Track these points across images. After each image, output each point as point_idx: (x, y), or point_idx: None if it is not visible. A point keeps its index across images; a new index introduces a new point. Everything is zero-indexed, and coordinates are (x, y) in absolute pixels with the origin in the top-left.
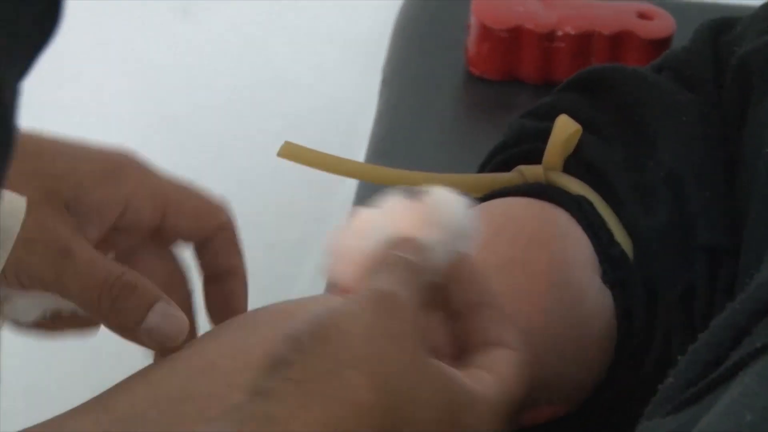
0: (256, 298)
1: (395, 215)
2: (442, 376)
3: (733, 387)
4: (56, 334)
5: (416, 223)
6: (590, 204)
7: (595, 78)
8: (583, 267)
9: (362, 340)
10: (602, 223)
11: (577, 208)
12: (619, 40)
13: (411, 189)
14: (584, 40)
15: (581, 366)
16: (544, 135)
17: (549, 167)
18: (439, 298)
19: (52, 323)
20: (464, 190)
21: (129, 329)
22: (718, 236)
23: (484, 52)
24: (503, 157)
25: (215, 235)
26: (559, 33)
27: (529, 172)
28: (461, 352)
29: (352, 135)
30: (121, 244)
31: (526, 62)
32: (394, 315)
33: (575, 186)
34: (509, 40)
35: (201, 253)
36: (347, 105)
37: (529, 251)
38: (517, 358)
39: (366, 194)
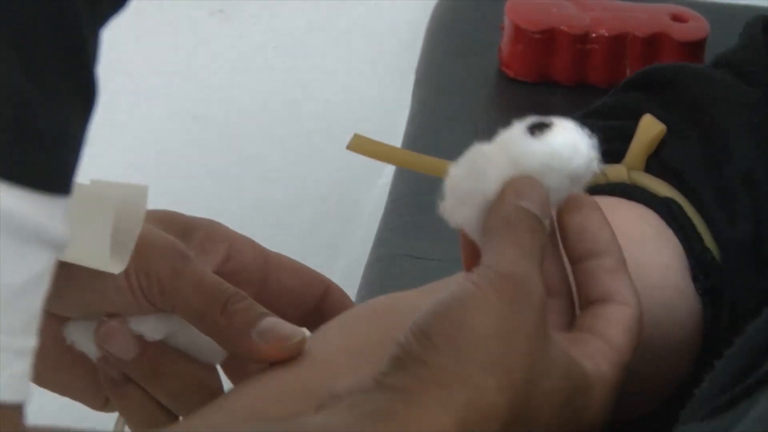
0: None
1: (514, 152)
2: (564, 363)
3: None
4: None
5: (537, 162)
6: (679, 207)
7: (659, 76)
8: (677, 270)
9: (495, 339)
10: (693, 227)
11: (667, 211)
12: (653, 43)
13: (532, 119)
14: (618, 43)
15: (669, 370)
16: (620, 134)
17: (631, 167)
18: (553, 239)
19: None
20: None
21: (241, 333)
22: None
23: (518, 53)
24: None
25: (326, 296)
26: (593, 35)
27: (611, 171)
28: (576, 298)
29: (386, 136)
30: None
31: (560, 64)
32: (527, 306)
33: (661, 187)
34: (543, 42)
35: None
36: (380, 106)
37: (628, 251)
38: (631, 316)
39: (400, 194)
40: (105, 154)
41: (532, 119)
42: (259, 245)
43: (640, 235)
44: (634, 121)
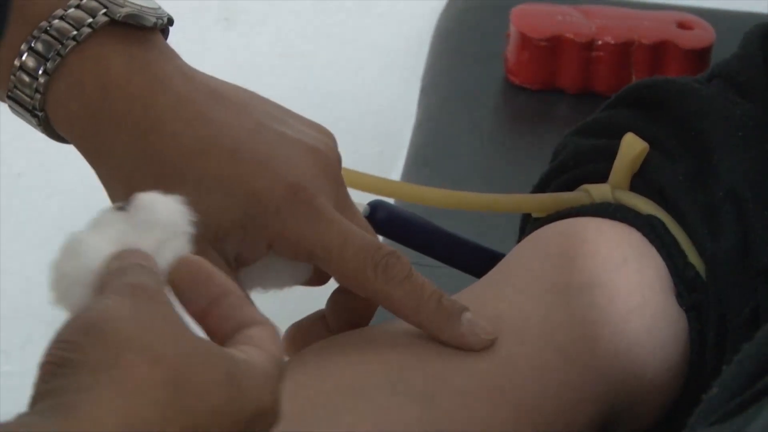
0: (299, 304)
1: (108, 230)
2: (215, 347)
3: None
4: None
5: (129, 232)
6: (662, 224)
7: (647, 92)
8: (660, 289)
9: (131, 325)
10: (676, 244)
11: (650, 229)
12: (659, 50)
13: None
14: (624, 50)
15: (656, 389)
16: (605, 153)
17: (616, 186)
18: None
19: None
20: (528, 210)
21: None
22: None
23: (524, 61)
24: (566, 178)
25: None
26: (599, 42)
27: (596, 191)
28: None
29: (392, 143)
30: None
31: (566, 72)
32: (153, 299)
33: (644, 205)
34: (549, 50)
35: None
36: (387, 114)
37: (607, 273)
38: (270, 329)
39: (407, 202)
40: None
41: (117, 203)
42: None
43: (620, 257)
44: (620, 138)
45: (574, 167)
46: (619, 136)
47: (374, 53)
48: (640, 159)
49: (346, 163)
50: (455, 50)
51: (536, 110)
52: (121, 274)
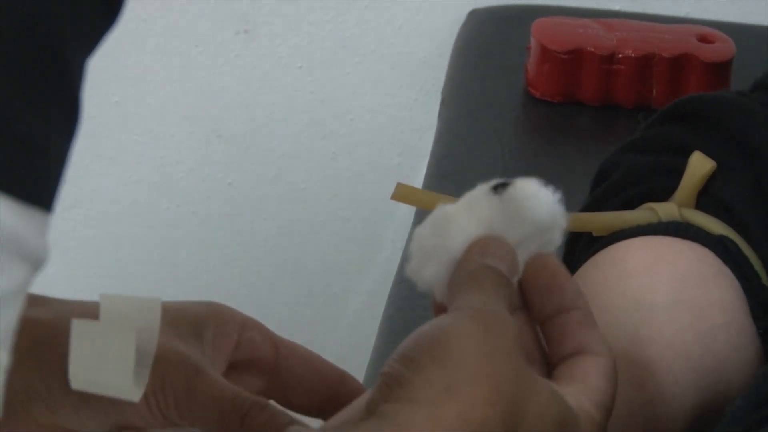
0: (311, 316)
1: (479, 210)
2: (550, 391)
3: None
4: None
5: (501, 218)
6: (735, 245)
7: (695, 108)
8: (739, 309)
9: (476, 358)
10: (750, 265)
11: (723, 249)
12: (680, 63)
13: (495, 180)
14: (644, 63)
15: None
16: (664, 170)
17: (682, 204)
18: (520, 300)
19: None
20: (593, 229)
21: None
22: None
23: (544, 73)
24: (625, 196)
25: (341, 385)
26: (620, 55)
27: (662, 210)
28: (548, 356)
29: (412, 156)
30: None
31: (586, 84)
32: (502, 333)
33: (714, 225)
34: (569, 62)
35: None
36: (406, 126)
37: (690, 291)
38: (607, 366)
39: (427, 212)
40: (129, 173)
41: (495, 180)
42: (268, 330)
43: (699, 276)
44: (677, 155)
45: (634, 185)
46: (673, 152)
47: (394, 65)
48: (707, 177)
49: (366, 174)
50: (476, 62)
51: (557, 123)
52: (475, 285)
